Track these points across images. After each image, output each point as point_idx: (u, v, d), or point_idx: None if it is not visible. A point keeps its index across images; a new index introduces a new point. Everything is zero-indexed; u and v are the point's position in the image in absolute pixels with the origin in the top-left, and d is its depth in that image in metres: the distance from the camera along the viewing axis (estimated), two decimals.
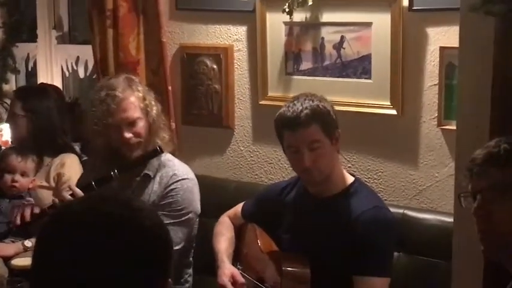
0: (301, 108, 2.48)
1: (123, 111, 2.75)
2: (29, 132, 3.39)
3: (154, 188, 2.85)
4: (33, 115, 3.38)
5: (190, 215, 2.85)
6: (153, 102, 2.85)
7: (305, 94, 2.58)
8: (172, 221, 2.77)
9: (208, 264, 2.88)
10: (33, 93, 3.55)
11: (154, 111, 2.83)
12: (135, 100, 2.78)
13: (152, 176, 2.85)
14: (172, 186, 2.83)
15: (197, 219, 2.94)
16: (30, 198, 3.23)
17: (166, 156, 2.90)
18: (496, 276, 1.84)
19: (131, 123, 2.77)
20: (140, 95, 2.80)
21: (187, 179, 2.88)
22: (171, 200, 2.82)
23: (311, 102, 2.50)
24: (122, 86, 2.78)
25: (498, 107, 1.88)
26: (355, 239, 2.46)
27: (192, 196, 2.87)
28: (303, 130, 2.47)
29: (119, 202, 1.27)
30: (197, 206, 2.90)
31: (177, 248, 2.80)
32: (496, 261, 1.84)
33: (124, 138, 2.75)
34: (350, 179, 2.62)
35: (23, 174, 3.29)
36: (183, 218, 2.83)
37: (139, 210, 1.25)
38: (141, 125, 2.79)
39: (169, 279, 1.25)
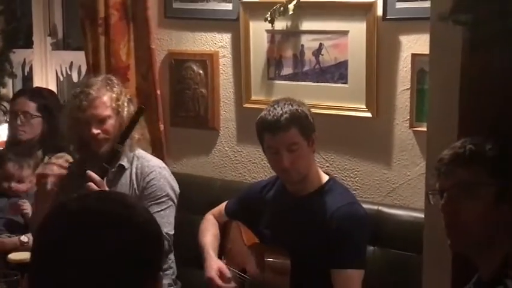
0: (281, 112, 2.49)
1: (93, 108, 2.77)
2: (42, 132, 3.40)
3: (132, 178, 2.86)
4: (49, 116, 3.39)
5: (173, 197, 2.87)
6: (125, 104, 2.84)
7: (285, 99, 2.59)
8: (163, 207, 2.81)
9: (194, 258, 2.88)
10: (46, 95, 3.56)
11: (125, 112, 2.82)
12: (107, 99, 2.79)
13: (126, 167, 2.86)
14: (151, 176, 2.84)
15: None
16: (25, 200, 3.21)
17: (139, 151, 2.91)
18: (463, 268, 1.85)
19: (100, 121, 2.78)
20: (114, 95, 2.81)
21: (160, 166, 2.90)
22: (153, 189, 2.83)
23: (290, 106, 2.51)
24: (98, 85, 2.81)
25: (465, 110, 1.89)
26: (331, 234, 2.47)
27: (170, 182, 2.88)
28: (283, 133, 2.48)
29: (113, 200, 1.27)
30: (176, 188, 2.90)
31: (171, 232, 2.82)
32: (462, 254, 1.85)
33: (92, 133, 2.78)
34: (325, 178, 2.64)
35: (19, 181, 3.27)
36: (170, 202, 2.85)
37: (133, 208, 1.25)
38: (110, 123, 2.80)
39: (160, 273, 1.25)
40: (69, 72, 4.15)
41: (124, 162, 2.86)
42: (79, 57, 3.87)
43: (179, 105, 3.46)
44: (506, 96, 1.81)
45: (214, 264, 2.65)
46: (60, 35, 4.27)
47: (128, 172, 2.87)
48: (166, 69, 3.49)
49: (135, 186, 2.85)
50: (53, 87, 4.15)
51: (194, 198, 3.02)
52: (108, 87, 2.82)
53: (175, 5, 3.42)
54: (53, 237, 1.19)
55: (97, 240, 1.16)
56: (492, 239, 1.69)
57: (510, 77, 1.80)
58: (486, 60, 1.82)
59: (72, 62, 4.12)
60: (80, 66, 4.02)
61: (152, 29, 3.40)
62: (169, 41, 3.49)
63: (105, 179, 2.70)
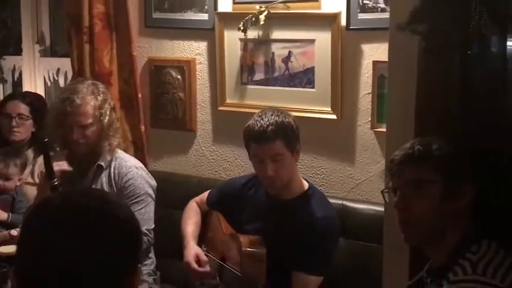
0: (267, 123, 2.44)
1: (76, 115, 2.75)
2: (32, 133, 3.37)
3: (111, 177, 2.84)
4: (39, 117, 3.35)
5: (150, 194, 2.85)
6: (108, 112, 2.81)
7: (272, 109, 2.54)
8: (142, 205, 2.80)
9: (174, 249, 2.86)
10: (38, 99, 3.54)
11: (106, 120, 2.79)
12: (90, 108, 2.76)
13: (104, 167, 2.85)
14: (128, 176, 2.82)
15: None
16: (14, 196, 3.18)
17: (119, 152, 2.90)
18: (419, 256, 1.86)
19: (82, 127, 2.76)
20: (98, 103, 2.78)
21: (136, 166, 2.88)
22: (131, 188, 2.81)
23: (277, 118, 2.46)
24: (84, 92, 2.77)
25: (421, 113, 1.91)
26: (307, 240, 2.45)
27: (146, 180, 2.86)
28: (268, 145, 2.44)
29: (95, 196, 1.25)
30: (153, 183, 2.88)
31: (151, 227, 2.81)
32: (416, 246, 1.87)
33: (73, 138, 2.77)
34: (306, 185, 2.61)
35: (7, 179, 3.20)
36: (149, 199, 2.83)
37: (114, 203, 1.23)
38: (91, 130, 2.78)
39: (139, 265, 1.23)
40: (56, 78, 4.12)
41: (102, 162, 2.84)
42: (65, 64, 3.83)
43: (159, 108, 3.45)
44: (457, 99, 1.83)
45: (192, 250, 2.64)
46: (47, 42, 4.23)
47: (106, 172, 2.85)
48: (146, 75, 3.47)
49: (114, 184, 2.83)
50: (41, 91, 4.11)
51: (173, 194, 3.01)
52: (92, 96, 2.78)
53: (155, 15, 3.41)
54: (37, 230, 1.17)
55: (79, 233, 1.15)
56: (442, 232, 1.70)
57: (461, 81, 1.82)
58: (439, 66, 1.84)
59: (59, 68, 4.08)
60: (66, 72, 3.99)
61: (133, 38, 3.38)
62: (149, 49, 3.47)
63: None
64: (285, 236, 2.50)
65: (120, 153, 2.91)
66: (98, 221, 1.17)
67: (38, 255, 1.15)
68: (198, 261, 2.60)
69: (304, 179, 2.66)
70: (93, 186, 2.81)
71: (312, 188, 2.62)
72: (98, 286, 1.14)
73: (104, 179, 2.85)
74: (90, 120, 2.76)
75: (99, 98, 2.80)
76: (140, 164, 2.93)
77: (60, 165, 2.86)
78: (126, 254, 1.19)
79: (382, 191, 1.84)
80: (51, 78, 4.15)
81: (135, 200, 2.79)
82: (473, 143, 1.76)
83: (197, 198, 2.87)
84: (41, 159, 3.29)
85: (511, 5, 1.67)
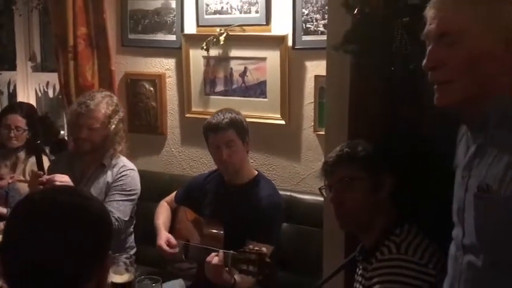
0: (222, 117, 2.52)
1: (87, 117, 2.73)
2: (27, 140, 3.30)
3: (108, 174, 2.80)
4: (33, 126, 3.30)
5: (135, 195, 2.82)
6: (116, 122, 2.78)
7: (226, 109, 2.61)
8: (124, 198, 2.76)
9: (148, 236, 2.83)
10: (30, 108, 3.48)
11: (112, 128, 2.77)
12: (101, 115, 2.74)
13: (106, 166, 2.81)
14: (123, 173, 2.80)
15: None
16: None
17: (120, 157, 2.87)
18: (352, 240, 1.87)
19: (90, 129, 2.73)
20: (108, 112, 2.76)
21: (133, 169, 2.86)
22: (122, 182, 2.78)
23: (230, 114, 2.54)
24: (99, 100, 2.76)
25: (353, 118, 1.92)
26: (257, 216, 2.47)
27: (137, 182, 2.84)
28: (223, 133, 2.50)
29: (72, 193, 1.23)
30: (139, 188, 2.86)
31: (126, 219, 2.77)
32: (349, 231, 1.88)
33: (80, 136, 2.75)
34: (255, 173, 2.64)
35: (0, 178, 3.16)
36: (131, 197, 2.80)
37: (89, 199, 1.21)
38: (97, 133, 2.75)
39: (110, 252, 1.21)
40: (46, 90, 4.05)
41: (105, 162, 2.81)
42: (54, 78, 3.76)
43: (134, 115, 3.40)
44: (382, 107, 1.84)
45: (164, 235, 2.64)
46: (38, 59, 4.15)
47: (107, 171, 2.81)
48: (123, 87, 3.43)
49: (109, 180, 2.80)
50: (33, 101, 4.03)
51: (147, 189, 2.96)
52: (106, 105, 2.77)
53: (131, 36, 3.37)
54: (20, 223, 1.14)
55: (57, 225, 1.12)
56: (371, 220, 1.71)
57: (385, 92, 1.83)
58: (368, 80, 1.85)
59: (48, 82, 4.01)
60: (54, 85, 3.92)
61: (112, 55, 3.33)
62: (125, 65, 3.43)
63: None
64: (239, 215, 2.51)
65: (122, 157, 2.88)
66: (73, 214, 1.15)
67: (19, 245, 1.12)
68: (169, 244, 2.59)
69: (255, 169, 2.68)
70: (92, 183, 2.79)
71: (260, 174, 2.66)
72: (70, 275, 1.11)
73: (102, 176, 2.81)
74: (97, 125, 2.74)
75: (111, 108, 2.78)
76: (135, 168, 2.89)
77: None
78: (98, 242, 1.16)
79: (319, 188, 1.84)
80: (42, 90, 4.08)
81: (120, 192, 2.77)
82: (394, 143, 1.78)
83: (167, 198, 2.86)
84: (32, 160, 3.24)
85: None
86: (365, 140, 1.77)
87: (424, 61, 1.29)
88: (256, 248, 2.04)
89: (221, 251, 2.16)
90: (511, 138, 1.20)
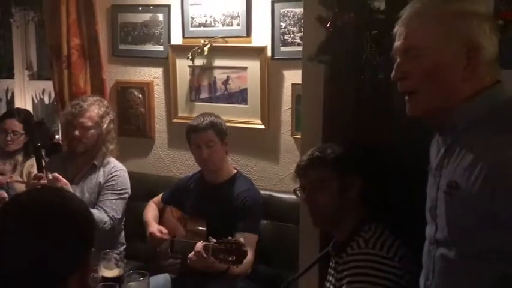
0: (202, 120, 2.56)
1: (80, 116, 2.74)
2: (24, 143, 3.28)
3: (100, 174, 2.78)
4: (30, 131, 3.28)
5: (126, 194, 2.80)
6: (107, 122, 2.79)
7: (206, 113, 2.65)
8: (116, 197, 2.75)
9: (137, 233, 2.82)
10: (27, 114, 3.44)
11: (104, 127, 2.77)
12: (93, 115, 2.75)
13: (98, 166, 2.79)
14: (114, 174, 2.78)
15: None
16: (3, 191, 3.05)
17: (111, 158, 2.85)
18: (326, 235, 1.87)
19: (84, 128, 2.73)
20: (100, 113, 2.77)
21: (123, 170, 2.84)
22: (114, 182, 2.76)
23: (209, 117, 2.58)
24: (91, 102, 2.79)
25: (327, 124, 1.91)
26: (237, 209, 2.48)
27: (127, 181, 2.83)
28: (203, 133, 2.53)
29: (55, 194, 1.20)
30: (129, 187, 2.84)
31: (119, 216, 2.76)
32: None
33: (74, 135, 2.74)
34: (234, 171, 2.66)
35: (1, 173, 3.12)
36: (122, 195, 2.78)
37: (71, 199, 1.17)
38: (90, 132, 2.75)
39: (92, 249, 1.18)
40: (41, 97, 4.02)
41: (96, 162, 2.80)
42: (49, 86, 3.71)
43: (124, 120, 3.37)
44: (353, 112, 1.85)
45: (155, 225, 2.64)
46: (35, 68, 4.10)
47: (98, 171, 2.79)
48: (114, 94, 3.39)
49: (101, 180, 2.78)
50: (29, 108, 3.98)
51: (136, 189, 2.93)
52: (97, 106, 2.78)
53: (121, 47, 3.34)
54: (5, 221, 1.11)
55: (41, 223, 1.09)
56: (342, 217, 1.71)
57: (356, 99, 1.83)
58: (340, 88, 1.85)
59: (44, 89, 3.98)
60: (50, 92, 3.89)
61: (103, 64, 3.30)
62: (116, 73, 3.39)
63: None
64: (219, 210, 2.51)
65: (113, 159, 2.86)
66: (56, 213, 1.12)
67: (5, 242, 1.09)
68: (161, 232, 2.59)
69: (234, 168, 2.69)
70: (85, 182, 2.76)
71: (239, 173, 2.68)
72: (51, 271, 1.08)
73: (93, 175, 2.78)
74: (90, 124, 2.74)
75: (102, 109, 2.79)
76: (125, 168, 2.88)
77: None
78: (80, 240, 1.14)
79: (294, 190, 1.83)
80: (38, 97, 4.05)
81: (112, 192, 2.75)
82: (364, 145, 1.78)
83: (155, 199, 2.85)
84: (29, 162, 3.22)
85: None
86: (337, 143, 1.77)
87: (393, 73, 1.32)
88: (234, 239, 2.04)
89: (202, 242, 2.17)
90: (474, 139, 1.22)
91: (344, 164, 1.70)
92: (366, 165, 1.71)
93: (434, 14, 1.27)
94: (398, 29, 1.31)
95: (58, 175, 2.56)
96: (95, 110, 2.76)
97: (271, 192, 2.84)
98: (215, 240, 2.10)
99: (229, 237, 2.09)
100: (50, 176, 2.54)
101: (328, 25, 1.75)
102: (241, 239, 2.06)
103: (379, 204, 1.71)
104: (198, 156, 2.58)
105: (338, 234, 1.74)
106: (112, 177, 2.77)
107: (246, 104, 3.01)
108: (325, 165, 1.70)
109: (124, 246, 2.90)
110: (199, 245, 2.16)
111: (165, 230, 2.59)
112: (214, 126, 2.55)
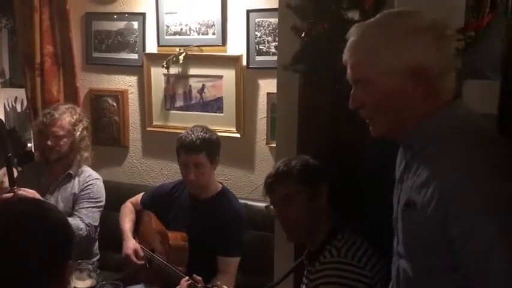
0: (196, 138, 2.42)
1: (52, 126, 2.70)
2: None
3: (75, 183, 2.75)
4: (3, 142, 3.16)
5: (101, 202, 2.77)
6: (80, 130, 2.74)
7: (201, 127, 2.51)
8: (92, 205, 2.71)
9: (110, 243, 2.77)
10: (1, 125, 3.40)
11: (77, 135, 2.73)
12: (65, 123, 2.71)
13: (73, 175, 2.76)
14: (90, 183, 2.75)
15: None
16: None
17: (85, 166, 2.82)
18: (300, 244, 1.87)
19: (57, 137, 2.70)
20: (73, 120, 2.73)
21: (98, 179, 2.81)
22: (89, 191, 2.73)
23: (204, 134, 2.45)
24: (63, 110, 2.74)
25: (301, 133, 1.93)
26: (221, 229, 2.42)
27: (102, 190, 2.80)
28: (193, 155, 2.42)
29: (34, 204, 1.18)
30: (104, 196, 2.80)
31: (96, 224, 2.72)
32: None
33: (47, 144, 2.71)
34: (219, 187, 2.59)
35: None
36: (98, 204, 2.74)
37: (49, 211, 1.16)
38: (63, 140, 2.71)
39: (70, 260, 1.16)
40: (14, 105, 3.98)
41: (71, 171, 2.76)
42: (21, 93, 3.67)
43: (98, 128, 3.31)
44: (327, 121, 1.86)
45: (131, 244, 2.56)
46: (7, 76, 4.06)
47: (74, 180, 2.76)
48: (88, 102, 3.35)
49: (76, 191, 2.74)
50: (1, 116, 3.91)
51: (110, 198, 2.88)
52: (69, 114, 2.74)
53: (95, 55, 3.29)
54: None
55: (18, 234, 1.08)
56: (314, 226, 1.71)
57: (330, 108, 1.85)
58: (314, 97, 1.87)
59: (16, 97, 3.95)
60: (22, 100, 3.84)
61: (77, 72, 3.26)
62: (90, 81, 3.35)
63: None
64: (205, 227, 2.46)
65: (88, 168, 2.82)
66: (35, 224, 1.10)
67: None
68: (136, 254, 2.53)
69: (219, 182, 2.64)
70: (59, 191, 2.73)
71: (224, 189, 2.61)
72: (29, 281, 1.06)
73: (68, 185, 2.74)
74: (63, 133, 2.70)
75: (75, 117, 2.75)
76: (100, 177, 2.84)
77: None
78: (59, 250, 1.12)
79: (265, 207, 1.83)
80: (10, 105, 3.98)
81: (88, 200, 2.72)
82: (339, 154, 1.79)
83: (132, 199, 2.79)
84: (0, 172, 3.12)
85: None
86: (312, 150, 1.77)
87: (350, 102, 1.32)
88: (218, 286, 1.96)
89: (187, 280, 2.04)
90: (429, 157, 1.22)
91: (310, 174, 1.70)
92: (331, 173, 1.71)
93: (371, 43, 1.24)
94: (345, 57, 1.30)
95: (24, 191, 2.48)
96: (67, 118, 2.72)
97: (246, 201, 2.82)
98: (201, 285, 2.01)
99: (218, 283, 1.98)
100: (18, 191, 2.48)
101: (303, 35, 1.76)
102: (225, 287, 1.96)
103: (350, 211, 1.71)
104: (184, 175, 2.49)
105: (312, 244, 1.74)
106: (87, 186, 2.74)
107: (222, 112, 3.00)
108: (291, 178, 1.70)
109: (98, 257, 2.85)
110: (184, 284, 2.05)
111: (141, 254, 2.52)
112: (207, 148, 2.42)
